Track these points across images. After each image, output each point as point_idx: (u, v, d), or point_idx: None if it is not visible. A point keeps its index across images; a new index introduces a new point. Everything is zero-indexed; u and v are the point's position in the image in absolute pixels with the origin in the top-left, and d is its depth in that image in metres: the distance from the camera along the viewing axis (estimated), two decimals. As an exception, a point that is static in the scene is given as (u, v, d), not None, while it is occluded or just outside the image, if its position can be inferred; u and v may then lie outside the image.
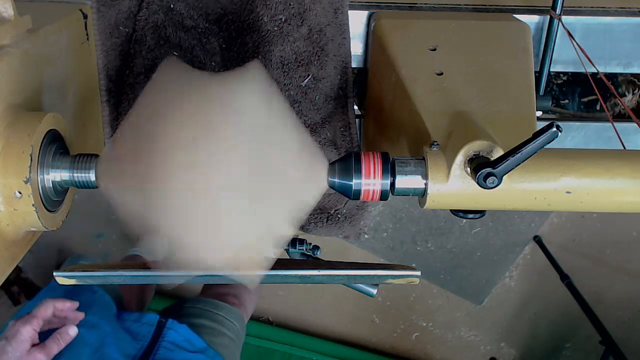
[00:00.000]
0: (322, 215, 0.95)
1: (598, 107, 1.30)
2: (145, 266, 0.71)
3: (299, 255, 1.08)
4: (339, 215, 0.95)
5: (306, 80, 0.89)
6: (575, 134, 1.16)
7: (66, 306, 0.89)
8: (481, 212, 0.73)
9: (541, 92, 1.07)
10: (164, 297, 1.87)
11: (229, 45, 0.95)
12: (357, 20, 1.04)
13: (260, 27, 0.89)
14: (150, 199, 0.59)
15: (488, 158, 0.63)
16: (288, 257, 1.11)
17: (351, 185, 0.66)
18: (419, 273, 0.75)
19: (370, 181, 0.66)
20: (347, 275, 0.79)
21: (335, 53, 0.93)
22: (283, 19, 0.89)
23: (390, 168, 0.66)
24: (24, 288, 2.09)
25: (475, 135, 0.65)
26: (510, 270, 2.30)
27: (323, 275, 0.76)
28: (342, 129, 0.95)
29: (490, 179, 0.60)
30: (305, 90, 0.90)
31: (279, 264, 0.69)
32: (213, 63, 0.94)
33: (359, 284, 0.88)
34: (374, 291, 0.88)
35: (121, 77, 0.94)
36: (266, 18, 0.89)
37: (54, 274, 0.74)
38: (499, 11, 1.08)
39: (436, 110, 0.76)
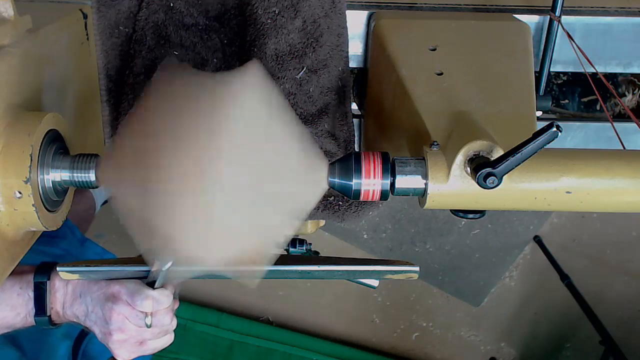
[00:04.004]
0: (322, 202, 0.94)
1: (598, 107, 1.30)
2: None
3: (299, 256, 1.08)
4: (341, 203, 0.94)
5: (301, 73, 0.89)
6: (575, 134, 1.16)
7: None
8: (481, 212, 0.73)
9: (541, 92, 1.07)
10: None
11: (230, 41, 0.95)
12: (357, 20, 1.04)
13: (256, 20, 0.89)
14: (150, 199, 0.59)
15: (488, 158, 0.63)
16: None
17: (351, 185, 0.66)
18: (417, 268, 0.75)
19: (370, 181, 0.66)
20: (347, 271, 0.79)
21: (331, 43, 0.93)
22: (277, 11, 0.89)
23: (390, 168, 0.66)
24: (24, 288, 2.09)
25: (475, 135, 0.65)
26: (510, 270, 2.30)
27: (323, 270, 0.76)
28: (339, 119, 0.94)
29: (490, 179, 0.60)
30: (300, 82, 0.89)
31: (279, 259, 0.69)
32: (215, 59, 0.94)
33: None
34: (376, 283, 0.88)
35: (121, 77, 0.94)
36: (260, 11, 0.89)
37: (57, 268, 0.75)
38: (499, 11, 1.08)
39: (436, 110, 0.76)
